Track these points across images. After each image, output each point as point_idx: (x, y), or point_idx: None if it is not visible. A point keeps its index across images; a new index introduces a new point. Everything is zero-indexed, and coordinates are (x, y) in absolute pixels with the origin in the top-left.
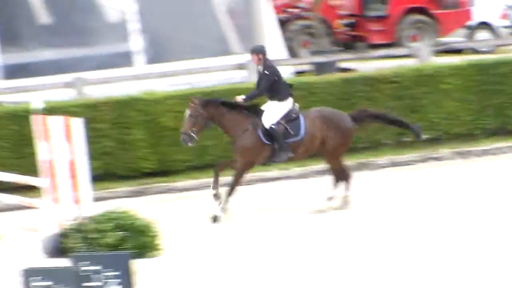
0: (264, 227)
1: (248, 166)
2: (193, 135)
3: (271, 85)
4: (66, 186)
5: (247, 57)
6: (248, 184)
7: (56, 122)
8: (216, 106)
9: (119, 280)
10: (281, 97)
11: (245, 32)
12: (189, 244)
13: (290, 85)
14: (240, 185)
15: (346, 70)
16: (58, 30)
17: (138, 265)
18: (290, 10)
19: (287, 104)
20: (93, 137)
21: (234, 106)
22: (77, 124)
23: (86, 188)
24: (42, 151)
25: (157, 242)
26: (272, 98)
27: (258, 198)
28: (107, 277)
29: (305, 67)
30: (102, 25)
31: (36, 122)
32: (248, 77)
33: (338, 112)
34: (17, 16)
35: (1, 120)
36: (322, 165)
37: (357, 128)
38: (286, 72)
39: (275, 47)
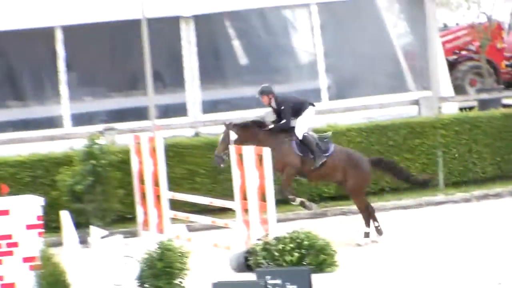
0: (431, 249)
1: (291, 174)
2: (225, 157)
3: (292, 111)
4: (255, 209)
5: (420, 94)
6: (416, 208)
7: (248, 151)
8: (248, 128)
9: None
10: (302, 111)
11: (419, 72)
12: (364, 262)
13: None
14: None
15: (509, 106)
16: (254, 69)
17: (316, 280)
18: (459, 52)
19: (311, 111)
20: None
21: (265, 125)
22: (267, 153)
23: (272, 210)
24: (236, 177)
25: (334, 259)
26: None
27: (426, 221)
28: None
29: (472, 104)
30: (294, 65)
31: (231, 151)
32: (419, 112)
33: (361, 156)
34: (216, 56)
35: (200, 149)
36: (483, 191)
37: (374, 171)
38: (453, 108)
39: (444, 85)
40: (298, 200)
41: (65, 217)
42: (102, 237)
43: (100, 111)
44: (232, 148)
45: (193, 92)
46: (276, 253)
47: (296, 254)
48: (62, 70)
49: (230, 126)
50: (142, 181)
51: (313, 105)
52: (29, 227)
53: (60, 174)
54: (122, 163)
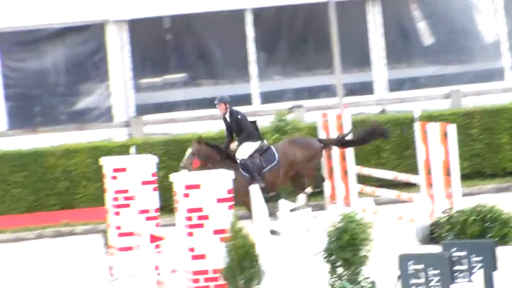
0: None
1: (247, 202)
2: (189, 170)
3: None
4: (439, 183)
5: None
6: None
7: (433, 128)
8: (212, 150)
9: (482, 264)
10: (250, 139)
11: None
12: None
13: (253, 122)
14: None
15: None
16: (438, 49)
17: (500, 252)
18: None
19: (256, 144)
20: (465, 141)
21: (223, 152)
22: (451, 130)
23: (456, 185)
24: (420, 152)
25: None
26: (243, 140)
27: None
28: (473, 262)
29: None
30: (477, 45)
31: (416, 128)
32: None
33: (305, 136)
34: (402, 37)
35: (386, 126)
36: None
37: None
38: None
39: None
40: None
41: (255, 191)
42: (291, 210)
43: (288, 89)
44: (418, 124)
45: (379, 71)
46: (460, 226)
47: (480, 227)
48: (251, 51)
49: (200, 142)
50: (328, 156)
51: (260, 137)
52: (220, 200)
53: None
54: None
